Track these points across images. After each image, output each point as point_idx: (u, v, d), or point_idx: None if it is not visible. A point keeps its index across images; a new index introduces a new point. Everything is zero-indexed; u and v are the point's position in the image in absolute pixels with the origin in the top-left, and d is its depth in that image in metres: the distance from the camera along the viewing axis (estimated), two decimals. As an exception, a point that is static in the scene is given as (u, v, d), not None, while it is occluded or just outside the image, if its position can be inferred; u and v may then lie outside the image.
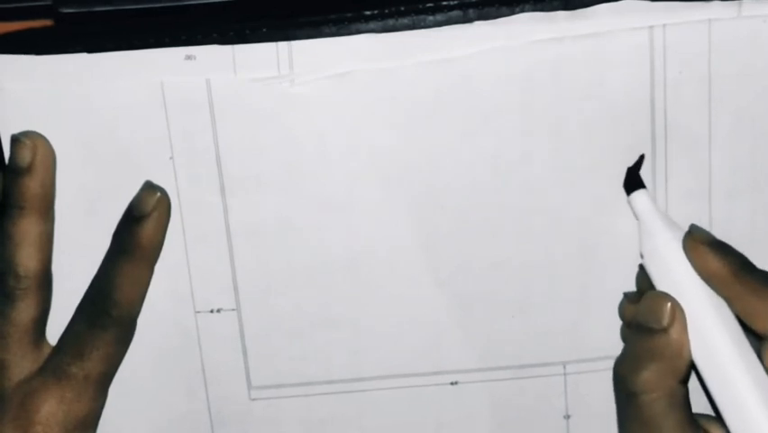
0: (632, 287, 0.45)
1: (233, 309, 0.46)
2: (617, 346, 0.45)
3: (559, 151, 0.44)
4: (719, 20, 0.42)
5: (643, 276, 0.44)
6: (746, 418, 0.40)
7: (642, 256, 0.44)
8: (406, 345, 0.46)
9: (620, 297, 0.45)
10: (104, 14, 0.42)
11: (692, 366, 0.42)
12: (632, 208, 0.44)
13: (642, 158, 0.44)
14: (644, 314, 0.42)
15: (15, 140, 0.42)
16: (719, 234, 0.43)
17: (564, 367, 0.47)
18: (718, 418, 0.42)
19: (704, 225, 0.45)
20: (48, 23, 0.43)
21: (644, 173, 0.44)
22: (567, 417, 0.47)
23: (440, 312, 0.46)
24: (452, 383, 0.47)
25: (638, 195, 0.44)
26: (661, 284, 0.42)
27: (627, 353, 0.43)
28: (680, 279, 0.42)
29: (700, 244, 0.42)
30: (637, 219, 0.44)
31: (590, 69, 0.43)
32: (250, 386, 0.47)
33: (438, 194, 0.44)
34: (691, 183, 0.45)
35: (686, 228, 0.43)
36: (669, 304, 0.41)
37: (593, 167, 0.44)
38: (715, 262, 0.41)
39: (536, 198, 0.45)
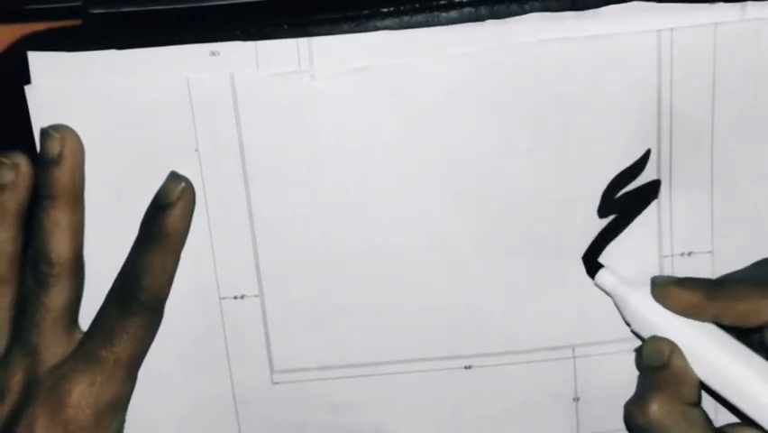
0: (634, 273, 0.46)
1: (257, 296, 0.46)
2: (623, 330, 0.46)
3: (567, 144, 0.45)
4: (724, 23, 0.43)
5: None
6: None
7: (629, 326, 0.45)
8: (423, 330, 0.47)
9: None
10: (131, 15, 0.43)
11: (701, 391, 0.43)
12: (601, 288, 0.46)
13: (602, 241, 0.46)
14: (647, 358, 0.43)
15: (45, 133, 0.43)
16: (720, 226, 0.45)
17: (573, 351, 0.47)
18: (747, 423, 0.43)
19: (705, 216, 0.46)
20: (77, 22, 0.43)
21: (650, 168, 0.45)
22: (576, 399, 0.48)
23: (454, 299, 0.47)
24: (466, 367, 0.47)
25: (601, 275, 0.46)
26: None
27: (636, 393, 0.44)
28: (665, 325, 0.44)
29: (665, 287, 0.44)
30: (609, 295, 0.46)
31: (598, 68, 0.44)
32: (272, 370, 0.47)
33: (452, 185, 0.45)
34: (694, 178, 0.45)
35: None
36: (665, 343, 0.43)
37: (601, 159, 0.45)
38: (686, 295, 0.43)
39: (547, 189, 0.45)
